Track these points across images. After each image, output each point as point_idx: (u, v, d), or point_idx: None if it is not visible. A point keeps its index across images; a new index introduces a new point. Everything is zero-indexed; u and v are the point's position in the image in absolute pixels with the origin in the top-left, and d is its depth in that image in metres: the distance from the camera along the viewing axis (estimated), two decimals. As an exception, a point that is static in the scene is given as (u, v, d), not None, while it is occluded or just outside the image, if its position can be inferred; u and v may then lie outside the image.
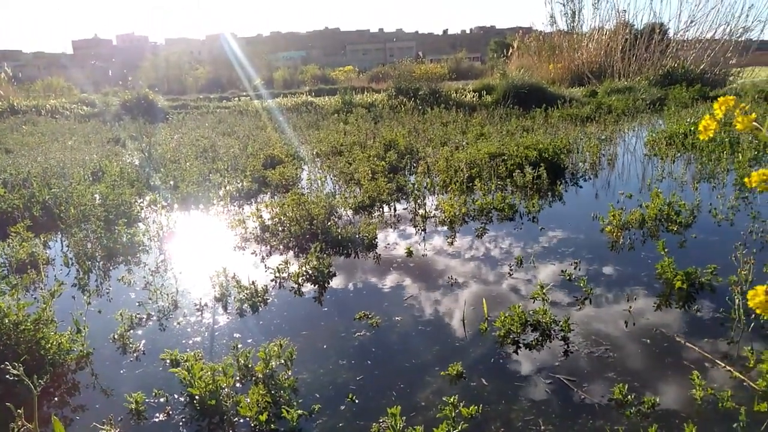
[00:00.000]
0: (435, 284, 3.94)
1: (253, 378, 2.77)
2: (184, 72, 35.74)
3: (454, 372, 2.73)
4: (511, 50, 25.78)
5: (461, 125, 11.24)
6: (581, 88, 18.53)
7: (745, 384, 2.55)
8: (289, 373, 2.78)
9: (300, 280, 4.04)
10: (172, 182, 7.29)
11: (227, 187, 6.99)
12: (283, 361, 2.84)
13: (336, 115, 14.26)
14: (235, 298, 3.75)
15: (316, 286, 3.99)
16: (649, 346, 2.96)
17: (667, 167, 7.24)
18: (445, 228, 5.23)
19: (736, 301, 3.15)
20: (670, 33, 21.51)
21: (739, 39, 20.24)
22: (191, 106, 19.06)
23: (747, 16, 20.21)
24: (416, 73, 16.68)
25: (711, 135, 1.19)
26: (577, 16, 22.42)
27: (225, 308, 3.71)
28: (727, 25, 20.18)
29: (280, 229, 5.16)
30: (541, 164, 6.73)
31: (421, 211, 5.64)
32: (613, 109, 13.16)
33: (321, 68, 35.02)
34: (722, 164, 6.85)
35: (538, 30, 25.47)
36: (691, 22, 20.58)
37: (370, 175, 6.63)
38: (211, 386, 2.56)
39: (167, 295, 3.82)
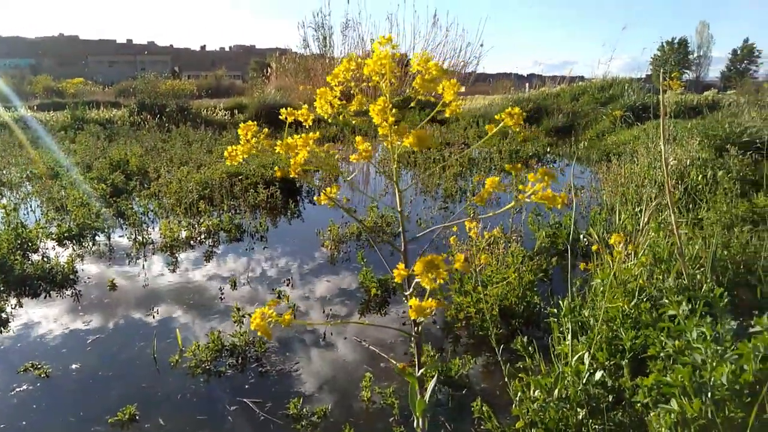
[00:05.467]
0: (134, 318, 3.59)
1: None
2: None
3: (126, 417, 2.47)
4: (270, 70, 26.07)
5: (208, 144, 10.83)
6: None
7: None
8: None
9: (-46, 334, 3.30)
10: None
11: None
12: None
13: (63, 132, 12.51)
14: None
15: (-22, 337, 3.30)
16: (338, 354, 3.11)
17: (391, 183, 7.97)
18: (166, 254, 4.87)
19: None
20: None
21: (461, 71, 23.83)
22: None
23: (465, 52, 23.93)
24: (161, 88, 15.65)
25: (238, 160, 1.23)
26: (328, 41, 23.74)
27: None
28: (452, 59, 23.61)
29: (-55, 271, 4.19)
30: (277, 182, 6.81)
31: (139, 238, 5.17)
32: (358, 128, 14.14)
33: (56, 79, 30.50)
34: (435, 179, 7.82)
35: (294, 52, 26.29)
36: (423, 54, 23.46)
37: (81, 200, 5.87)
38: None
39: None
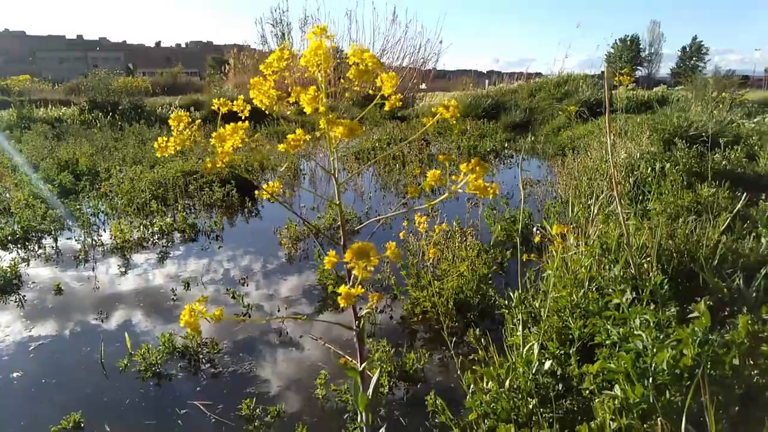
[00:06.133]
0: (80, 323, 3.46)
1: None
2: None
3: (70, 424, 2.38)
4: (228, 67, 25.60)
5: (163, 142, 10.55)
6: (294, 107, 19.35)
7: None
8: None
9: None
10: None
11: None
12: None
13: (9, 131, 11.98)
14: None
15: None
16: (293, 354, 3.07)
17: (353, 179, 7.95)
18: (116, 256, 4.72)
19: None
20: (371, 59, 24.14)
21: (421, 67, 23.96)
22: None
23: (425, 48, 24.09)
24: (114, 85, 15.15)
25: (170, 152, 1.19)
26: (286, 38, 23.43)
27: None
28: (412, 56, 23.70)
29: None
30: (233, 181, 6.69)
31: (88, 240, 4.99)
32: (317, 127, 14.03)
33: (1, 77, 29.14)
34: (394, 176, 7.83)
35: (252, 49, 25.87)
36: (383, 50, 23.50)
37: (26, 202, 5.63)
38: None
39: None
